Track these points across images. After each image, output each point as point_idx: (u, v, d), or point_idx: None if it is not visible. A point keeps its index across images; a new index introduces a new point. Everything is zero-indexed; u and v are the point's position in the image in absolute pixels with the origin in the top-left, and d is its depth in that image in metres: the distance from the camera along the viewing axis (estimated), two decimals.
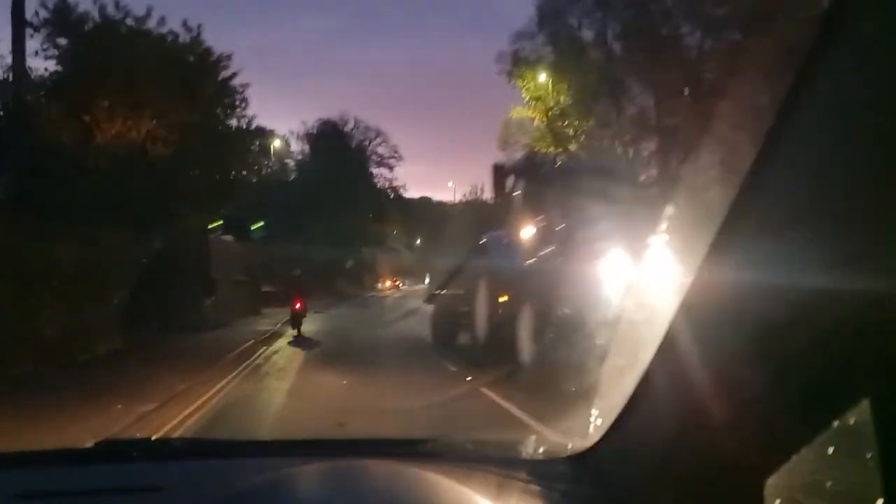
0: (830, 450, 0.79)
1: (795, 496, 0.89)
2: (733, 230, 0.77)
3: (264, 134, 23.04)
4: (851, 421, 0.73)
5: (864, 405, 0.70)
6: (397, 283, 74.01)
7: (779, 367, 0.76)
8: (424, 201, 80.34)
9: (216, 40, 27.04)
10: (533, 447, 1.60)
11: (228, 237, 28.52)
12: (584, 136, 27.78)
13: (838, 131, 0.62)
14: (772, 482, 0.87)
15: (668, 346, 0.95)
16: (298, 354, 14.44)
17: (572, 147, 28.13)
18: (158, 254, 18.28)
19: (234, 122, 22.94)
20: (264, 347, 15.35)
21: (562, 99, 27.30)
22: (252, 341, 15.98)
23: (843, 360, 0.71)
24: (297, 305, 16.89)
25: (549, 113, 27.63)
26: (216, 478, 1.40)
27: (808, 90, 0.64)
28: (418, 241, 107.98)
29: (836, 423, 0.75)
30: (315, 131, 61.50)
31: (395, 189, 65.55)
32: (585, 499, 1.27)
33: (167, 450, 1.73)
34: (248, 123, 23.83)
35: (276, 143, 48.74)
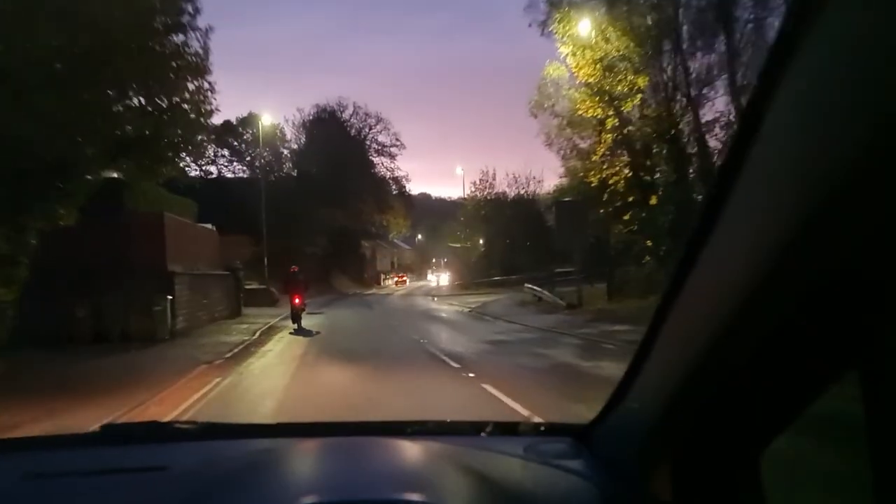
0: (825, 421, 0.88)
1: (791, 466, 0.97)
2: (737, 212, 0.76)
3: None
4: (844, 394, 0.78)
5: (855, 377, 0.73)
6: (404, 278, 70.47)
7: (772, 340, 0.77)
8: (424, 197, 75.94)
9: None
10: (533, 427, 1.62)
11: (208, 226, 23.25)
12: (641, 94, 22.29)
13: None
14: (768, 453, 0.92)
15: (661, 324, 0.96)
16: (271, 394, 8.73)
17: (627, 108, 22.64)
18: (73, 237, 12.85)
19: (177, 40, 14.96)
20: (217, 379, 9.54)
21: (614, 48, 21.78)
22: (195, 369, 10.38)
23: (835, 332, 0.73)
24: (296, 301, 17.20)
25: (598, 66, 22.10)
26: (220, 457, 1.36)
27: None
28: (419, 237, 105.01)
29: (829, 396, 0.80)
30: (311, 118, 55.93)
31: (396, 180, 60.01)
32: (586, 475, 1.25)
33: (171, 432, 1.70)
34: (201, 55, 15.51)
35: (265, 121, 43.41)
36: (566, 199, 26.93)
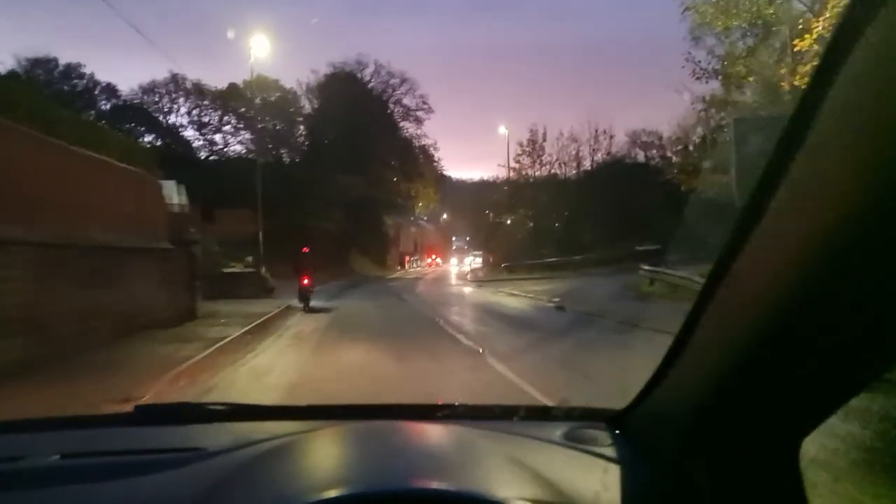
0: (866, 411, 0.89)
1: (831, 457, 0.93)
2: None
3: None
4: (886, 384, 0.81)
5: None
6: (437, 259, 63.99)
7: (814, 328, 0.77)
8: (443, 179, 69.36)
9: None
10: (566, 410, 1.56)
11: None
12: None
13: None
14: (808, 443, 0.91)
15: (703, 308, 0.95)
16: None
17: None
18: None
19: None
20: None
21: None
22: None
23: (877, 322, 0.72)
24: (305, 282, 16.72)
25: None
26: (251, 439, 1.34)
27: None
28: (444, 216, 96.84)
29: (871, 386, 0.79)
30: (327, 76, 46.87)
31: (423, 148, 50.65)
32: (621, 461, 1.21)
33: (203, 413, 1.70)
34: None
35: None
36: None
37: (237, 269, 20.96)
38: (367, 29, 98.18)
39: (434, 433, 1.39)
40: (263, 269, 21.61)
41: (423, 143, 49.98)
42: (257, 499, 1.01)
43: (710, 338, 0.97)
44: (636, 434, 1.28)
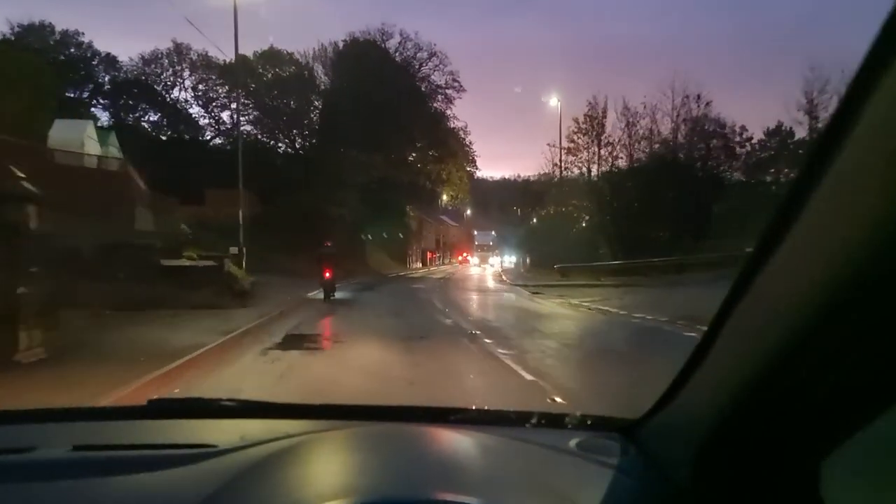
0: (888, 434, 0.81)
1: (851, 479, 0.90)
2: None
3: None
4: None
5: None
6: (467, 257, 57.92)
7: (836, 347, 0.74)
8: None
9: None
10: (580, 419, 1.51)
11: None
12: None
13: None
14: (827, 464, 0.87)
15: (725, 320, 0.92)
16: None
17: None
18: None
19: None
20: None
21: None
22: None
23: None
24: (327, 274, 17.47)
25: None
26: (264, 438, 1.33)
27: None
28: (468, 212, 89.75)
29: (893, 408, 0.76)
30: (347, 44, 39.58)
31: (453, 132, 42.53)
32: (633, 473, 1.20)
33: (216, 409, 1.67)
34: None
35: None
36: None
37: (187, 261, 13.58)
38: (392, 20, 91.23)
39: (446, 439, 1.36)
40: (229, 263, 14.24)
41: (453, 125, 42.12)
42: (268, 500, 1.00)
43: (729, 351, 0.94)
44: (650, 446, 1.24)
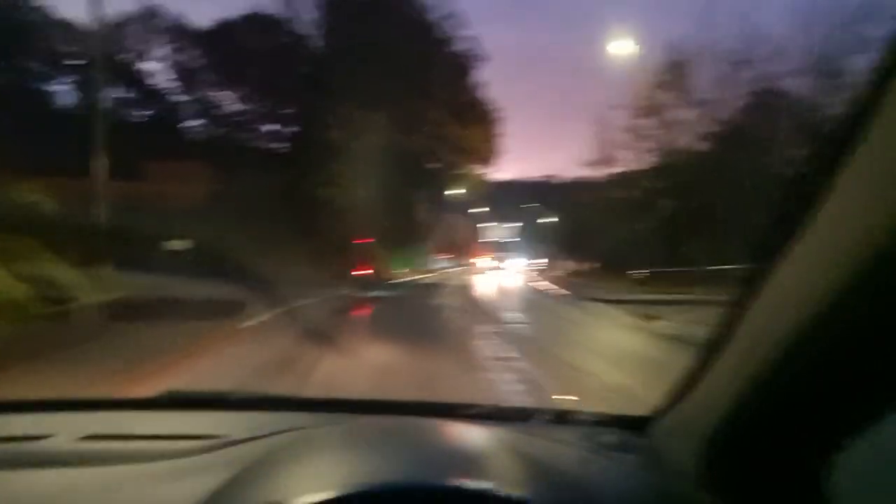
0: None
1: (858, 478, 0.91)
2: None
3: None
4: None
5: None
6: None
7: (847, 349, 0.75)
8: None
9: None
10: (591, 415, 1.53)
11: None
12: None
13: None
14: (835, 462, 0.88)
15: (738, 317, 0.93)
16: None
17: None
18: None
19: None
20: None
21: None
22: None
23: None
24: (362, 271, 17.40)
25: None
26: (278, 429, 1.36)
27: None
28: (484, 209, 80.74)
29: None
30: None
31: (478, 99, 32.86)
32: (642, 469, 1.21)
33: (230, 401, 1.71)
34: None
35: None
36: None
37: None
38: None
39: (457, 432, 1.36)
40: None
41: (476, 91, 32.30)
42: (280, 489, 0.98)
43: (740, 350, 0.94)
44: (660, 442, 1.25)
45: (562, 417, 1.53)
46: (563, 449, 1.30)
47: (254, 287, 12.68)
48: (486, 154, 30.88)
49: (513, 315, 14.32)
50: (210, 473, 1.08)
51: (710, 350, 1.02)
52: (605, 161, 28.17)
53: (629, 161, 26.90)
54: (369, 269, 17.00)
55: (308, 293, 14.81)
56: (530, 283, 28.72)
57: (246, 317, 10.90)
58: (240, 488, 1.01)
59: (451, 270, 46.26)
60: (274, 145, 29.59)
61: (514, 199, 68.54)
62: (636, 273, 21.91)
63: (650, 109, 25.45)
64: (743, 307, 0.91)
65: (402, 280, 27.40)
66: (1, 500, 1.10)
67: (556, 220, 43.08)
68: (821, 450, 0.89)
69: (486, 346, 8.88)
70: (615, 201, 27.63)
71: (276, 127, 27.89)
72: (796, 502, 0.92)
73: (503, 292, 23.07)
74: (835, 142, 0.68)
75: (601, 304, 16.66)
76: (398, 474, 1.01)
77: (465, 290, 23.17)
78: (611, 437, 1.33)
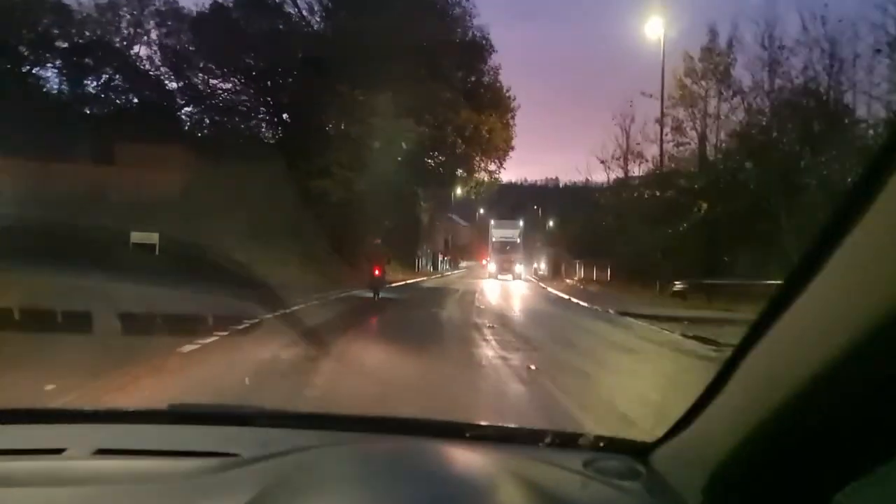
0: None
1: None
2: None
3: None
4: None
5: None
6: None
7: (859, 386, 0.73)
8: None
9: None
10: (594, 439, 1.50)
11: None
12: None
13: None
14: (839, 499, 0.87)
15: (750, 347, 0.91)
16: None
17: None
18: None
19: None
20: None
21: None
22: None
23: None
24: (377, 272, 16.67)
25: None
26: (288, 448, 1.33)
27: None
28: (481, 210, 78.01)
29: None
30: None
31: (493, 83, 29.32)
32: (643, 496, 1.19)
33: (238, 417, 1.69)
34: None
35: None
36: None
37: None
38: None
39: (462, 458, 1.36)
40: None
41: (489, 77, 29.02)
42: None
43: (749, 381, 0.92)
44: (663, 470, 1.23)
45: (565, 441, 1.52)
46: (567, 475, 1.26)
47: (230, 291, 9.81)
48: (501, 145, 27.56)
49: (541, 335, 11.36)
50: (225, 494, 1.08)
51: (716, 381, 1.00)
52: (634, 156, 25.28)
53: (658, 158, 23.87)
54: (379, 268, 16.47)
55: (290, 300, 11.84)
56: (548, 291, 25.71)
57: (201, 333, 7.94)
58: None
59: (444, 276, 43.31)
60: (266, 132, 26.71)
61: (519, 201, 65.65)
62: (677, 285, 18.96)
63: (688, 98, 22.49)
64: (752, 341, 0.88)
65: (401, 284, 24.42)
66: None
67: (565, 223, 40.15)
68: (824, 485, 0.86)
69: (516, 394, 5.93)
70: (644, 202, 24.70)
71: (269, 113, 24.95)
72: None
73: (523, 303, 20.11)
74: (880, 152, 0.62)
75: (643, 322, 13.67)
76: (398, 500, 1.03)
77: (476, 297, 20.19)
78: (612, 462, 1.30)
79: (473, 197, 38.47)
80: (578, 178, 35.78)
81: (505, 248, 39.23)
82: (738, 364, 0.94)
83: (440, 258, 56.22)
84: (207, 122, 30.62)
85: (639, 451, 1.34)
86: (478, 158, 28.23)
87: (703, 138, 22.59)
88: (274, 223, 20.48)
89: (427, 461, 1.32)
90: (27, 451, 1.29)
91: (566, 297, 22.14)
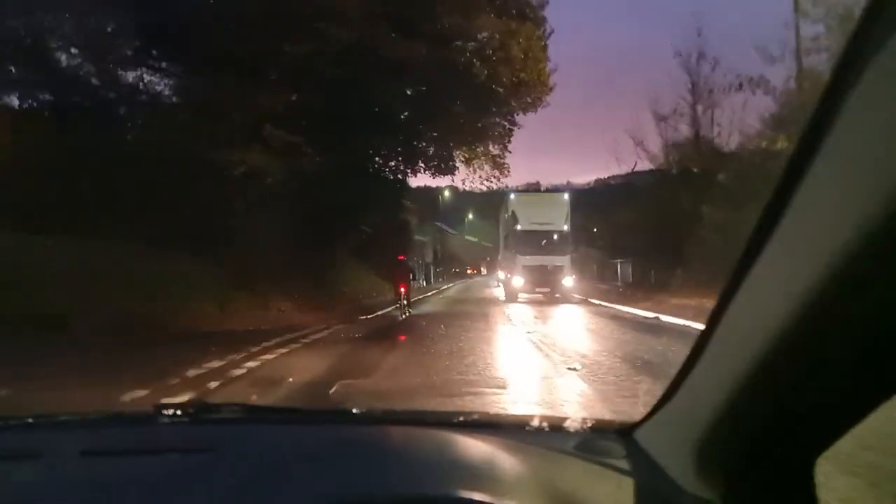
0: (880, 429, 0.79)
1: (844, 475, 0.93)
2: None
3: None
4: None
5: None
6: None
7: (829, 346, 0.74)
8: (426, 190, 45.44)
9: None
10: (580, 421, 1.55)
11: None
12: None
13: None
14: (822, 461, 0.89)
15: (718, 320, 0.93)
16: None
17: None
18: None
19: None
20: None
21: None
22: None
23: (892, 341, 0.70)
24: (402, 289, 16.02)
25: None
26: (269, 443, 1.37)
27: None
28: (469, 216, 71.15)
29: (885, 405, 0.77)
30: None
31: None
32: (634, 473, 1.21)
33: (224, 415, 1.68)
34: None
35: None
36: None
37: None
38: None
39: (451, 441, 1.33)
40: None
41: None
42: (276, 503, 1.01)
43: (723, 351, 0.94)
44: (649, 447, 1.25)
45: (552, 425, 1.53)
46: (554, 456, 1.28)
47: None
48: (535, 81, 18.81)
49: None
50: (206, 489, 1.09)
51: (694, 353, 1.01)
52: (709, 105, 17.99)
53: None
54: (404, 286, 14.71)
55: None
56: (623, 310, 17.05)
57: None
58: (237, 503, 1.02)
59: (456, 288, 35.48)
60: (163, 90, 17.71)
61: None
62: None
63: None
64: (722, 310, 0.89)
65: (376, 312, 16.69)
66: None
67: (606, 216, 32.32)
68: (806, 449, 0.88)
69: None
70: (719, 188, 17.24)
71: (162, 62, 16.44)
72: (788, 501, 0.92)
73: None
74: (806, 131, 0.66)
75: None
76: (395, 484, 1.03)
77: (548, 344, 12.28)
78: (600, 442, 1.33)
79: (471, 187, 28.40)
80: (559, 180, 27.74)
81: (540, 241, 22.26)
82: (710, 338, 0.94)
83: (432, 270, 48.71)
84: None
85: (625, 430, 1.36)
86: (512, 103, 19.68)
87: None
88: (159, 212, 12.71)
89: (418, 445, 1.31)
90: (7, 455, 1.28)
91: (657, 316, 14.06)
